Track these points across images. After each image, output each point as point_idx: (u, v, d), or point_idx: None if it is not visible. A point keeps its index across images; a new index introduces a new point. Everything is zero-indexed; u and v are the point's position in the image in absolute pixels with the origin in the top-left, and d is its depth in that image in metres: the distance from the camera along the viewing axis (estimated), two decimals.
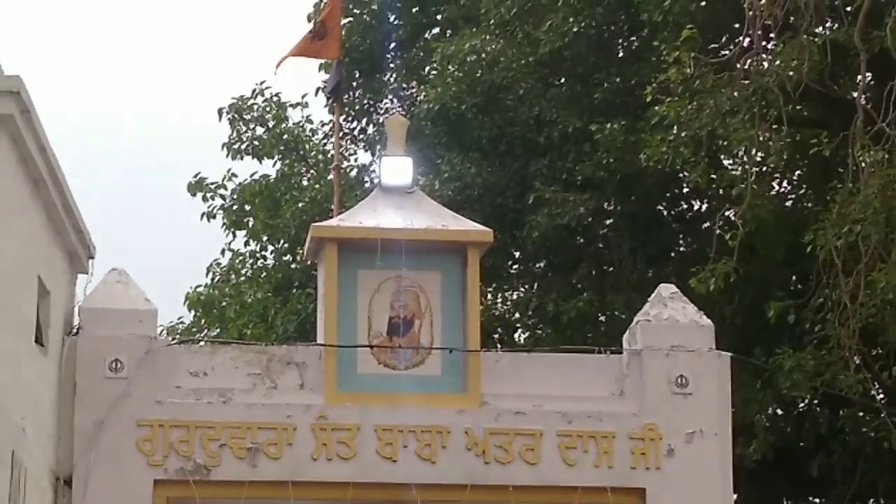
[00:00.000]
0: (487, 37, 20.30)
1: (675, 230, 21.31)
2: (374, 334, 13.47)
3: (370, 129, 23.29)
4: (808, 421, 19.04)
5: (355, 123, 23.56)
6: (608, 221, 20.37)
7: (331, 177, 20.96)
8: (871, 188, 15.23)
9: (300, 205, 22.09)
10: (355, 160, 23.62)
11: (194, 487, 13.07)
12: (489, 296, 20.65)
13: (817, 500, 22.00)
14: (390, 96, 23.01)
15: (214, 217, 23.85)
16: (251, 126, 23.54)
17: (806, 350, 16.62)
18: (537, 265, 21.53)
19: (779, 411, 18.73)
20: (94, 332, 13.04)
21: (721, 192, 19.74)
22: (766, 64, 16.75)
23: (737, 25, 17.82)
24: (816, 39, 16.49)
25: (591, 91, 20.34)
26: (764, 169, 18.00)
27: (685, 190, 20.84)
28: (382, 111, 22.73)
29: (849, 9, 16.64)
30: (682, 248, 20.88)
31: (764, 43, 17.09)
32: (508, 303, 21.90)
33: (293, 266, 22.25)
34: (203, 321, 24.17)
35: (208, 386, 13.11)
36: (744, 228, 16.59)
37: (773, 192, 18.65)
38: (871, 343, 16.32)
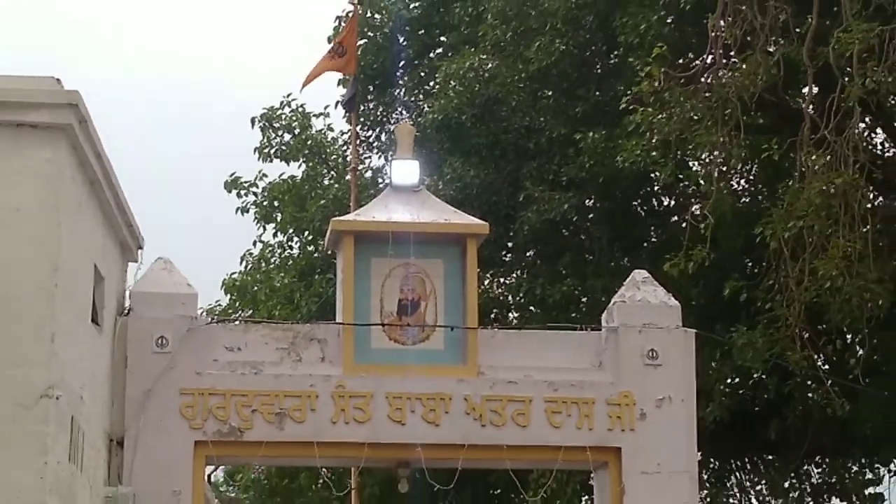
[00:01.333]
0: (484, 56, 20.28)
1: (648, 223, 21.30)
2: (385, 314, 13.47)
3: (382, 137, 23.31)
4: (761, 389, 19.06)
5: (370, 131, 23.57)
6: (589, 216, 20.36)
7: (349, 178, 20.97)
8: (814, 188, 15.23)
9: (322, 202, 22.07)
10: (370, 163, 23.65)
11: (230, 447, 13.14)
12: (485, 281, 20.65)
13: (771, 457, 21.97)
14: (400, 108, 22.99)
15: (247, 212, 23.88)
16: (280, 133, 23.55)
17: (757, 329, 16.60)
18: (527, 254, 21.51)
19: (736, 380, 18.72)
20: (142, 313, 13.05)
21: (688, 190, 19.76)
22: (726, 78, 16.70)
23: (701, 44, 17.80)
24: (770, 56, 16.45)
25: (575, 103, 20.32)
26: (724, 170, 17.96)
27: (656, 188, 20.81)
28: (393, 121, 22.71)
29: (798, 30, 16.61)
30: (653, 239, 20.86)
31: (724, 60, 17.08)
32: (502, 287, 21.88)
33: (316, 255, 22.23)
34: (237, 303, 24.19)
35: (242, 359, 13.11)
36: (712, 221, 16.60)
37: (731, 190, 18.58)
38: (815, 322, 16.28)
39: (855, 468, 22.77)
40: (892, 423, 18.64)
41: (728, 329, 17.38)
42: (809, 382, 18.41)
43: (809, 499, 23.26)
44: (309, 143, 23.57)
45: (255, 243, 24.53)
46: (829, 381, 17.06)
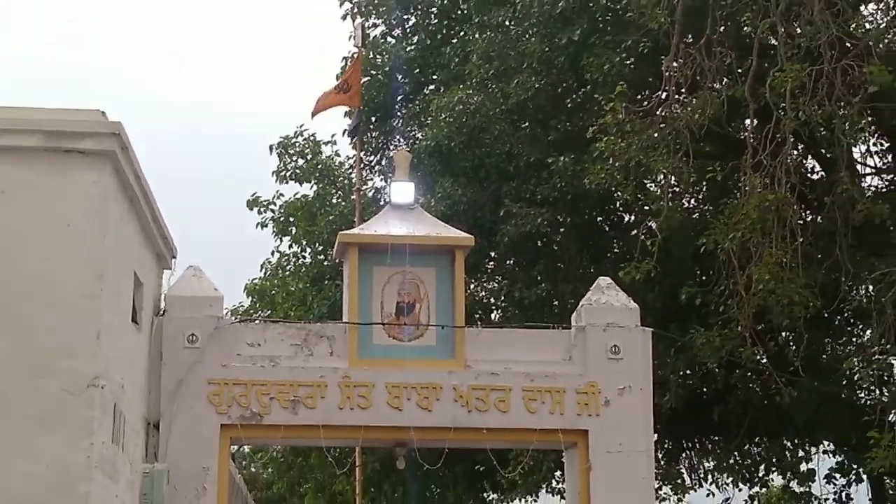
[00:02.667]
0: (470, 91, 20.25)
1: (611, 236, 21.29)
2: (385, 314, 13.49)
3: (383, 161, 23.26)
4: (709, 379, 19.07)
5: (372, 157, 23.52)
6: (560, 230, 20.35)
7: (354, 197, 20.93)
8: (752, 204, 15.25)
9: (330, 218, 22.05)
10: (372, 184, 23.57)
11: (251, 430, 13.14)
12: (471, 285, 20.62)
13: (717, 438, 21.99)
14: (398, 136, 22.95)
15: (266, 226, 23.84)
16: (294, 158, 23.51)
17: (713, 329, 16.62)
18: (507, 262, 21.50)
19: (687, 372, 18.73)
20: (175, 314, 13.06)
21: (645, 207, 19.77)
22: (678, 112, 16.72)
23: (657, 83, 17.84)
24: (716, 93, 16.49)
25: (548, 132, 20.31)
26: (676, 190, 17.99)
27: (618, 206, 20.82)
28: (392, 147, 22.67)
29: (740, 71, 16.64)
30: (615, 250, 20.85)
31: (677, 96, 17.09)
32: (486, 291, 21.86)
33: (325, 263, 22.19)
34: (258, 305, 24.14)
35: (261, 353, 13.11)
36: (661, 234, 16.62)
37: (683, 208, 18.61)
38: (759, 320, 16.32)
39: (790, 447, 22.78)
40: (822, 409, 18.69)
41: (681, 328, 17.41)
42: (750, 374, 18.44)
43: (750, 474, 23.28)
44: (319, 167, 23.55)
45: (273, 253, 24.52)
46: (774, 374, 17.05)
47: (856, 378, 19.18)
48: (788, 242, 15.12)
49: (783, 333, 17.96)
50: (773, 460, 23.08)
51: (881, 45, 16.19)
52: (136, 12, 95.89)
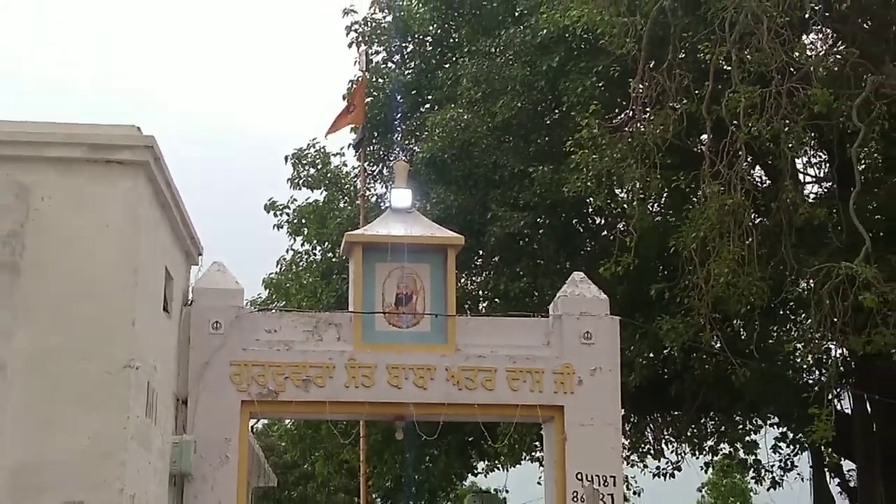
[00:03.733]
0: (461, 110, 20.19)
1: (584, 237, 21.24)
2: (386, 305, 13.45)
3: (384, 171, 23.19)
4: (669, 362, 19.05)
5: (374, 167, 23.41)
6: (540, 231, 20.31)
7: (358, 202, 20.88)
8: (711, 208, 15.25)
9: (338, 220, 21.97)
10: (374, 191, 23.49)
11: (268, 406, 13.08)
12: (461, 279, 20.56)
13: (675, 413, 21.96)
14: (397, 149, 22.86)
15: (282, 227, 23.77)
16: (306, 168, 23.44)
17: (677, 317, 16.61)
18: (493, 259, 21.44)
19: (650, 355, 18.71)
20: (201, 304, 13.01)
21: (615, 211, 19.75)
22: (644, 128, 16.70)
23: (625, 102, 17.82)
24: (677, 112, 16.45)
25: (529, 145, 20.27)
26: (643, 197, 17.93)
27: (591, 210, 20.78)
28: (392, 159, 22.60)
29: (698, 92, 16.60)
30: (588, 249, 20.79)
31: (643, 114, 17.07)
32: (474, 284, 21.80)
33: (333, 260, 22.11)
34: (274, 296, 24.09)
35: (277, 339, 13.08)
36: (636, 235, 16.61)
37: (649, 212, 18.55)
38: (715, 309, 16.30)
39: (739, 421, 22.78)
40: (768, 388, 18.66)
41: (645, 317, 17.37)
42: (705, 356, 18.42)
43: (703, 444, 23.31)
44: (328, 175, 23.47)
45: (287, 251, 24.46)
46: (730, 357, 17.01)
47: (798, 360, 19.17)
48: (744, 241, 15.14)
49: (736, 321, 17.93)
50: (724, 431, 23.10)
51: (822, 70, 16.29)
52: (170, 42, 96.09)
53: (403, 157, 21.32)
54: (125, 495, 9.92)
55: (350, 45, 22.99)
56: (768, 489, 23.65)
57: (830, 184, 18.78)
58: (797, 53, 16.17)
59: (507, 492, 25.41)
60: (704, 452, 23.50)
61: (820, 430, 15.04)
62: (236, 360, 12.82)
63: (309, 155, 23.52)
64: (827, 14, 16.69)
